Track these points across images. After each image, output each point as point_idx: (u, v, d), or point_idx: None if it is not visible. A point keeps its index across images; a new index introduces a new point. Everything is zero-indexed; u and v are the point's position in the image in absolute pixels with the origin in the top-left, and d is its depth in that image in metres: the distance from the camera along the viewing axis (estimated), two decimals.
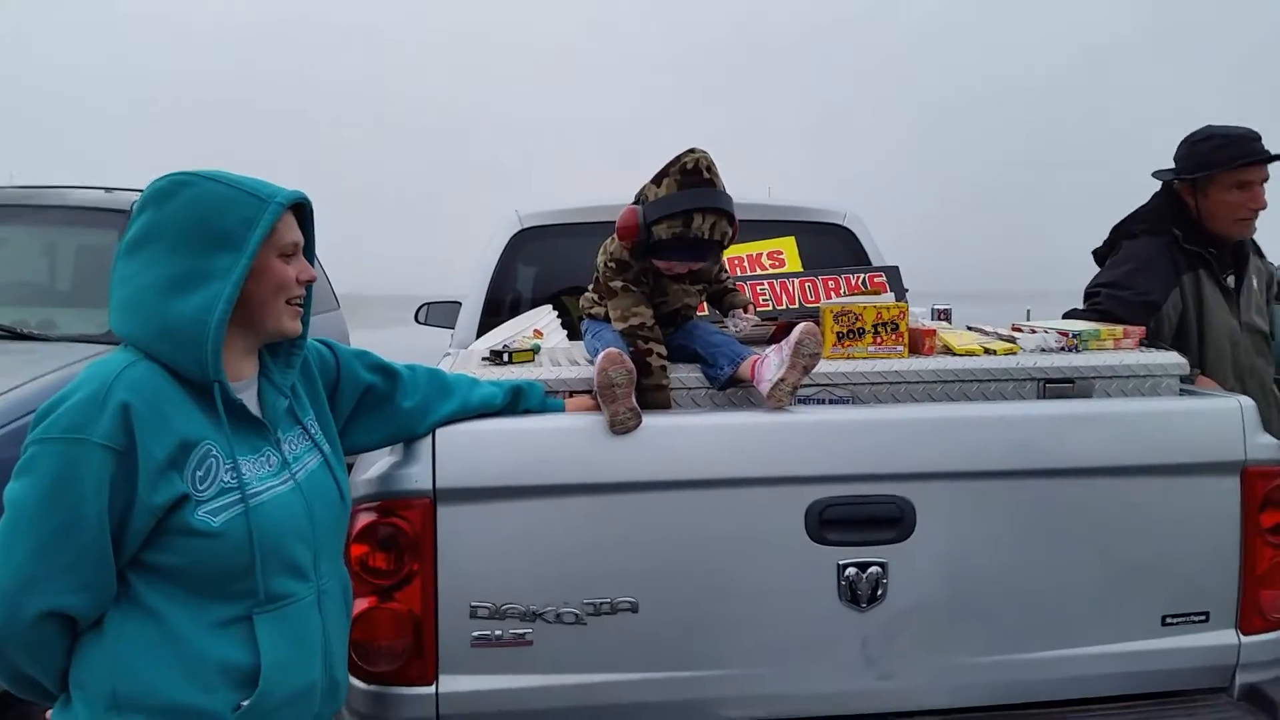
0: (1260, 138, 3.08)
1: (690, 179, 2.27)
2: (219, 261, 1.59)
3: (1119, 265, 3.18)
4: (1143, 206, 3.26)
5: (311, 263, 1.79)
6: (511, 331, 3.49)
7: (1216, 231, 3.11)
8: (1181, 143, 3.19)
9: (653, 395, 2.29)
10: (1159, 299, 3.05)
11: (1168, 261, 3.10)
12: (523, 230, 4.12)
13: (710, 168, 2.29)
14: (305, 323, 1.81)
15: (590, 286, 2.57)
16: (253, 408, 1.71)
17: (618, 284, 2.40)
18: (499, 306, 4.02)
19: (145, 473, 1.50)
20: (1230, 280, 3.15)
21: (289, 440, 1.77)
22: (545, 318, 3.51)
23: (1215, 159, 3.05)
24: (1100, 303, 3.07)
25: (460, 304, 4.53)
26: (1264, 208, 3.10)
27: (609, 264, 2.43)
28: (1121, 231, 3.28)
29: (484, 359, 2.53)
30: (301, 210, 1.75)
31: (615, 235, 2.39)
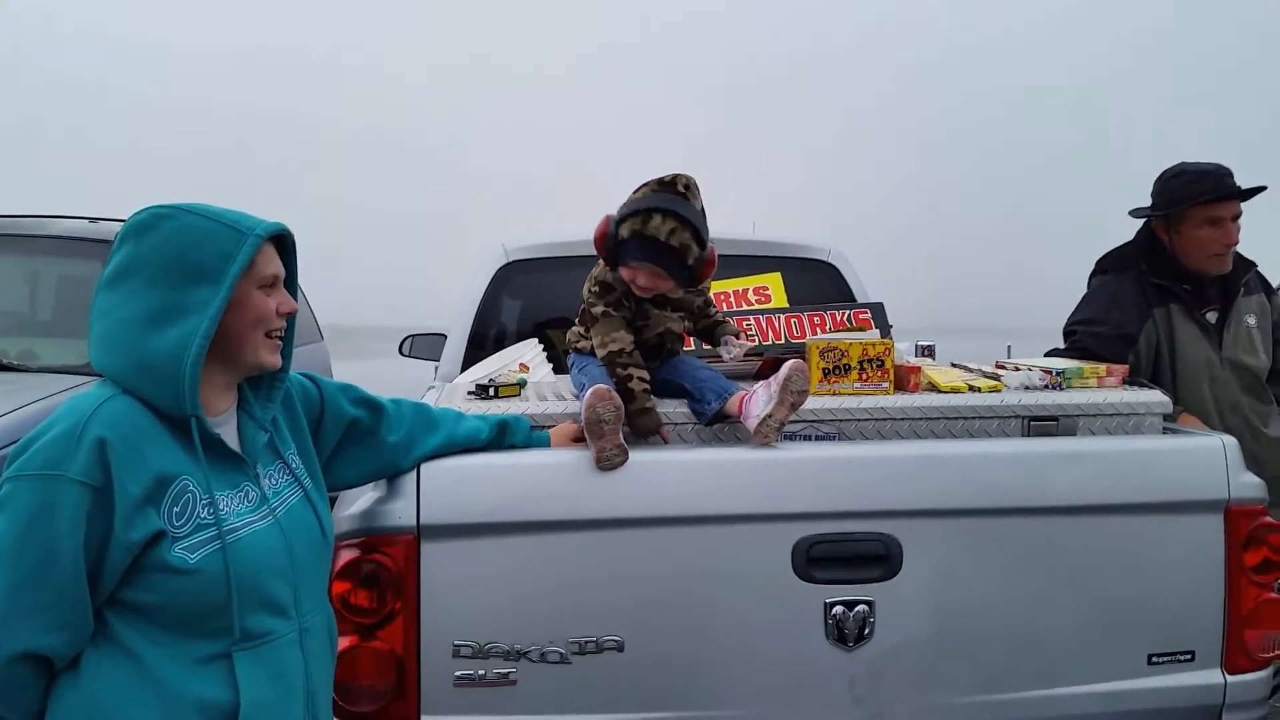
0: (1231, 174, 3.11)
1: (664, 188, 2.30)
2: (196, 295, 1.58)
3: (1091, 302, 3.22)
4: (1123, 243, 3.29)
5: (294, 295, 1.79)
6: (497, 365, 3.48)
7: (1191, 267, 3.13)
8: (1156, 180, 3.22)
9: (639, 420, 2.28)
10: (1134, 332, 3.08)
11: (1137, 295, 3.13)
12: (509, 263, 4.12)
13: (689, 185, 2.31)
14: (287, 356, 1.80)
15: (576, 319, 2.56)
16: (231, 442, 1.69)
17: (599, 309, 2.40)
18: (484, 340, 4.01)
19: (121, 509, 1.48)
20: (1212, 316, 3.17)
21: (269, 475, 1.75)
22: (530, 351, 3.50)
23: (1185, 195, 3.08)
24: (1079, 340, 3.10)
25: (444, 336, 4.52)
26: (1235, 243, 3.12)
27: (592, 288, 2.44)
28: (1097, 267, 3.32)
29: (469, 393, 2.52)
30: (283, 242, 1.75)
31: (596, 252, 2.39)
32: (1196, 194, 3.05)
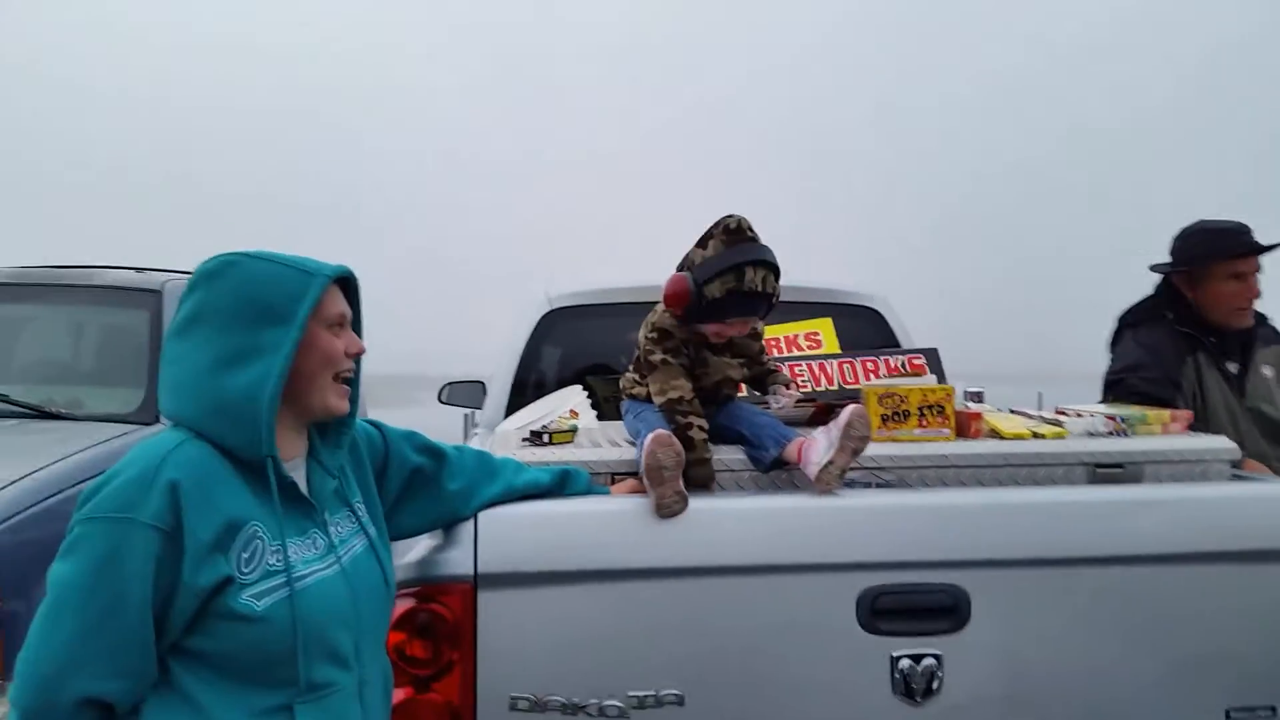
0: (1250, 231, 3.18)
1: (735, 236, 2.28)
2: (269, 336, 1.58)
3: (1133, 350, 3.24)
4: (1144, 298, 3.35)
5: (360, 334, 1.78)
6: (541, 411, 3.46)
7: (1216, 321, 3.18)
8: (1175, 237, 3.29)
9: (695, 470, 2.25)
10: (1178, 378, 3.11)
11: (1172, 342, 3.18)
12: (552, 311, 4.13)
13: (751, 228, 2.30)
14: (354, 401, 1.79)
15: (630, 365, 2.54)
16: (302, 487, 1.67)
17: (658, 357, 2.37)
18: (526, 387, 4.01)
19: (191, 554, 1.46)
20: (1233, 366, 3.21)
21: (336, 522, 1.73)
22: (575, 398, 3.49)
23: (1205, 252, 3.15)
24: (1130, 385, 3.11)
25: (482, 384, 4.51)
26: (1258, 296, 3.18)
27: (649, 334, 2.41)
28: (1123, 322, 3.37)
29: (524, 440, 2.49)
30: (348, 285, 1.75)
31: (662, 304, 2.37)
32: (1220, 249, 3.13)
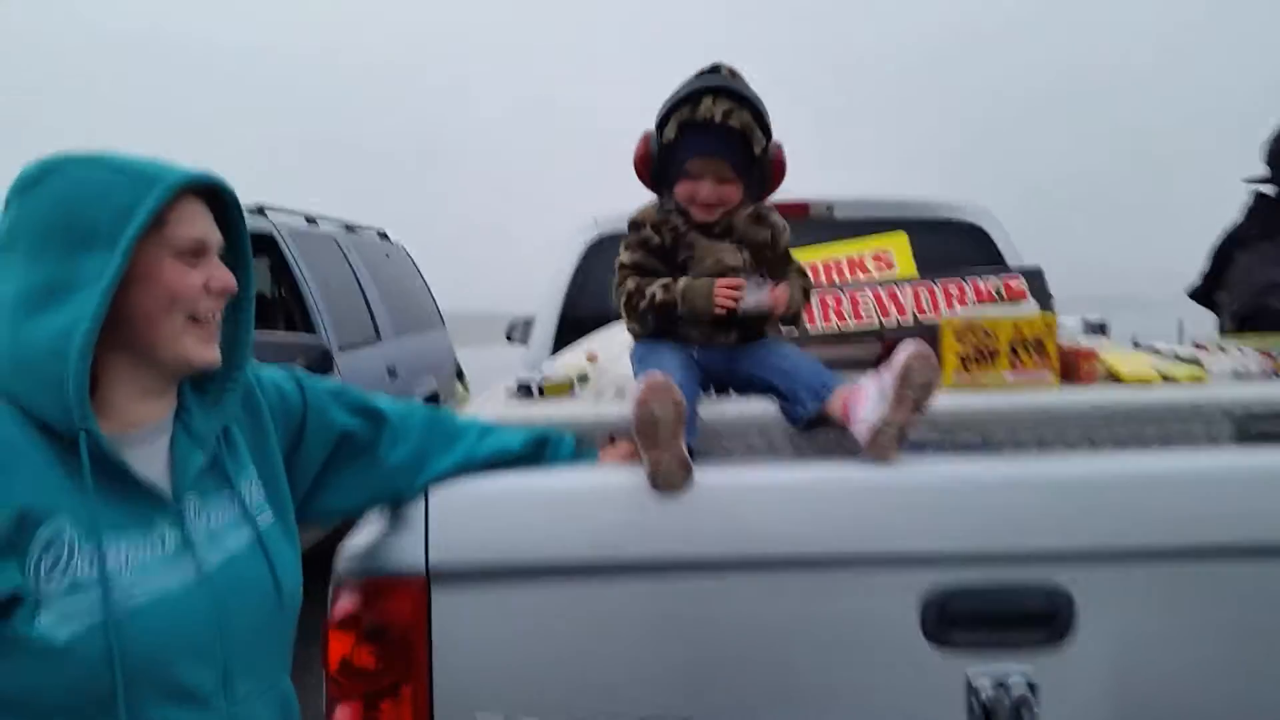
0: None
1: (704, 74, 1.93)
2: (87, 266, 1.20)
3: (1259, 269, 2.80)
4: (1241, 219, 3.00)
5: (244, 269, 1.38)
6: (581, 351, 3.04)
7: None
8: (1268, 142, 2.93)
9: (692, 291, 1.88)
10: None
11: None
12: (601, 237, 3.66)
13: (734, 71, 1.93)
14: (240, 347, 1.39)
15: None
16: (150, 467, 1.28)
17: (621, 257, 1.99)
18: (577, 324, 3.56)
19: None
20: None
21: (207, 512, 1.34)
22: (619, 336, 3.03)
23: None
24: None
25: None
26: None
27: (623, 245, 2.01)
28: (1231, 242, 2.98)
29: (511, 392, 2.05)
30: (220, 201, 1.32)
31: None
32: None
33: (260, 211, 5.09)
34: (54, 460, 1.19)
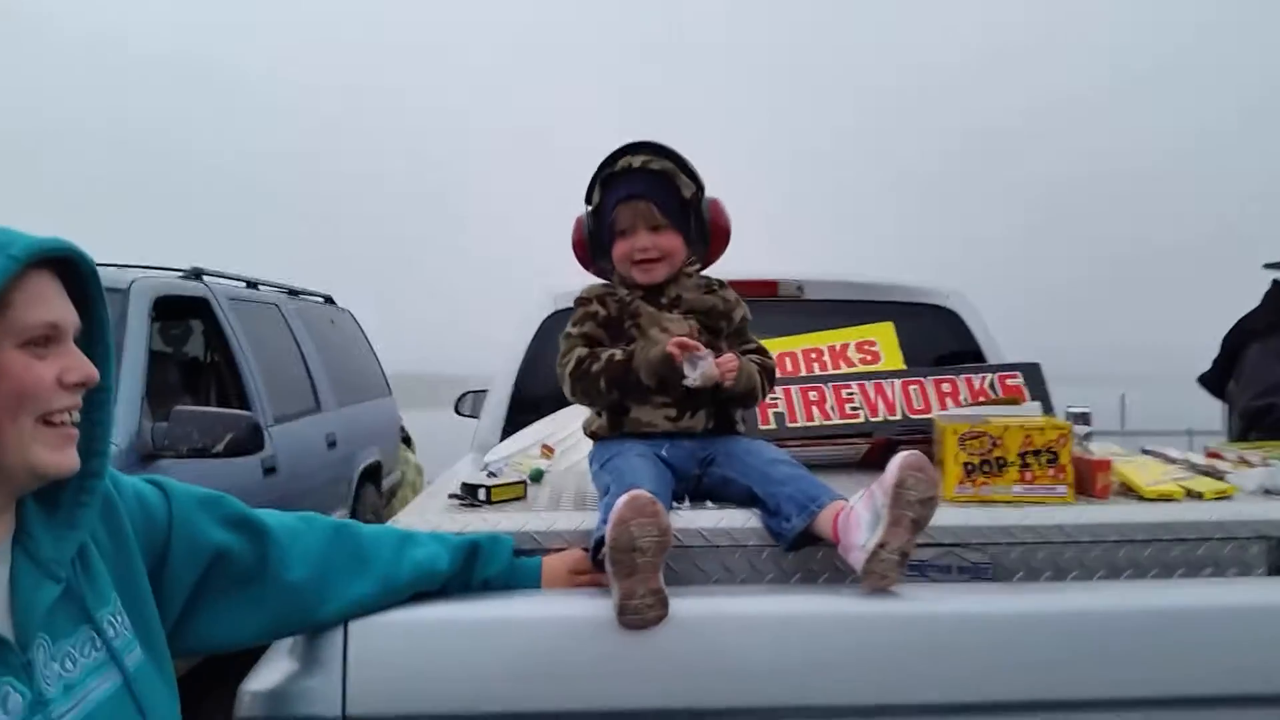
0: None
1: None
2: None
3: (1272, 365, 2.62)
4: (1257, 308, 2.86)
5: (104, 355, 1.14)
6: (543, 433, 2.80)
7: None
8: None
9: (648, 354, 1.72)
10: None
11: None
12: (557, 312, 3.44)
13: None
14: (99, 454, 1.13)
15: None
16: None
17: (571, 329, 1.85)
18: (529, 402, 3.31)
19: None
20: None
21: (63, 655, 1.06)
22: (575, 422, 2.79)
23: None
24: None
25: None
26: None
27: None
28: (1246, 331, 2.80)
29: (452, 496, 1.79)
30: (76, 273, 1.08)
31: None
32: None
33: (197, 275, 4.81)
34: None
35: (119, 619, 1.15)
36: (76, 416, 1.08)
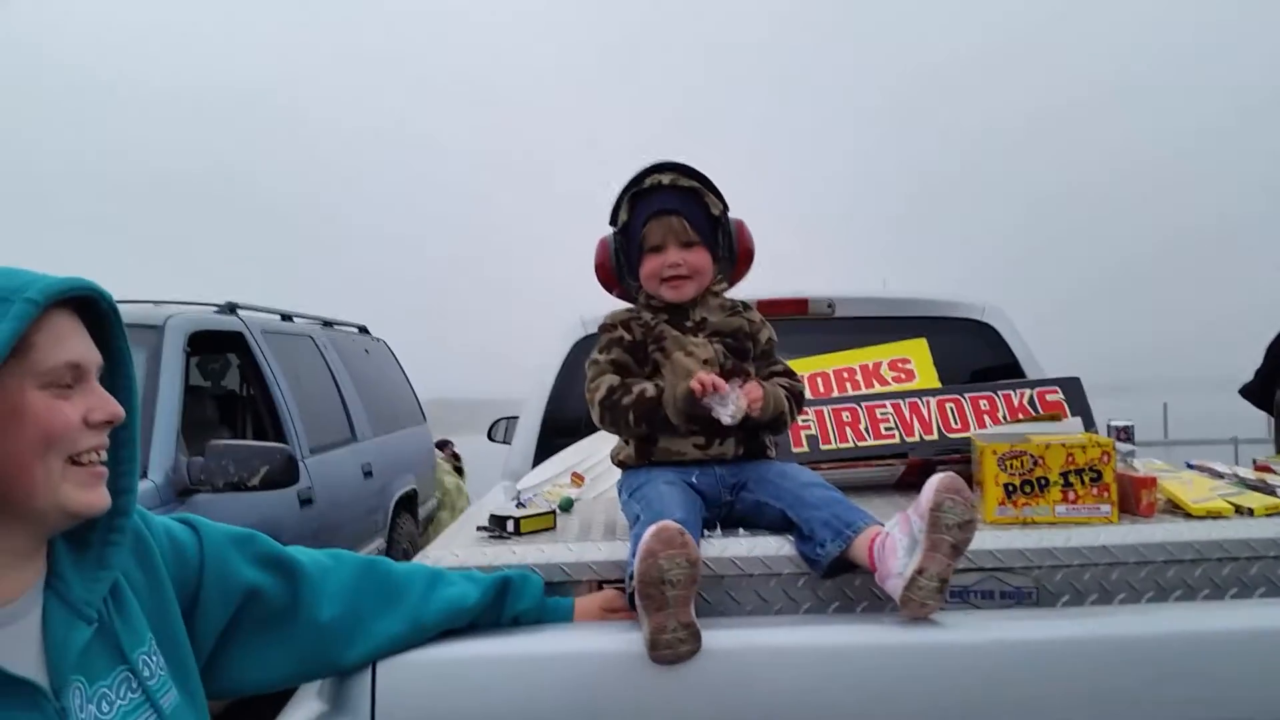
0: None
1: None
2: None
3: None
4: None
5: (127, 391, 1.13)
6: (573, 461, 2.77)
7: None
8: None
9: (681, 403, 1.69)
10: None
11: None
12: (587, 337, 3.43)
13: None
14: (127, 491, 1.12)
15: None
16: (19, 655, 1.01)
17: (598, 356, 1.83)
18: (561, 428, 3.30)
19: None
20: None
21: (99, 697, 1.06)
22: (605, 447, 2.77)
23: None
24: None
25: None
26: None
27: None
28: None
29: (481, 528, 1.77)
30: (96, 310, 1.07)
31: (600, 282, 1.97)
32: None
33: (232, 310, 4.85)
34: None
35: (154, 659, 1.14)
36: (104, 455, 1.07)
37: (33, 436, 1.00)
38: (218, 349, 5.40)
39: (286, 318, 5.68)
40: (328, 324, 6.41)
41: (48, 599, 1.06)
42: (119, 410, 1.07)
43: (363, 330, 7.35)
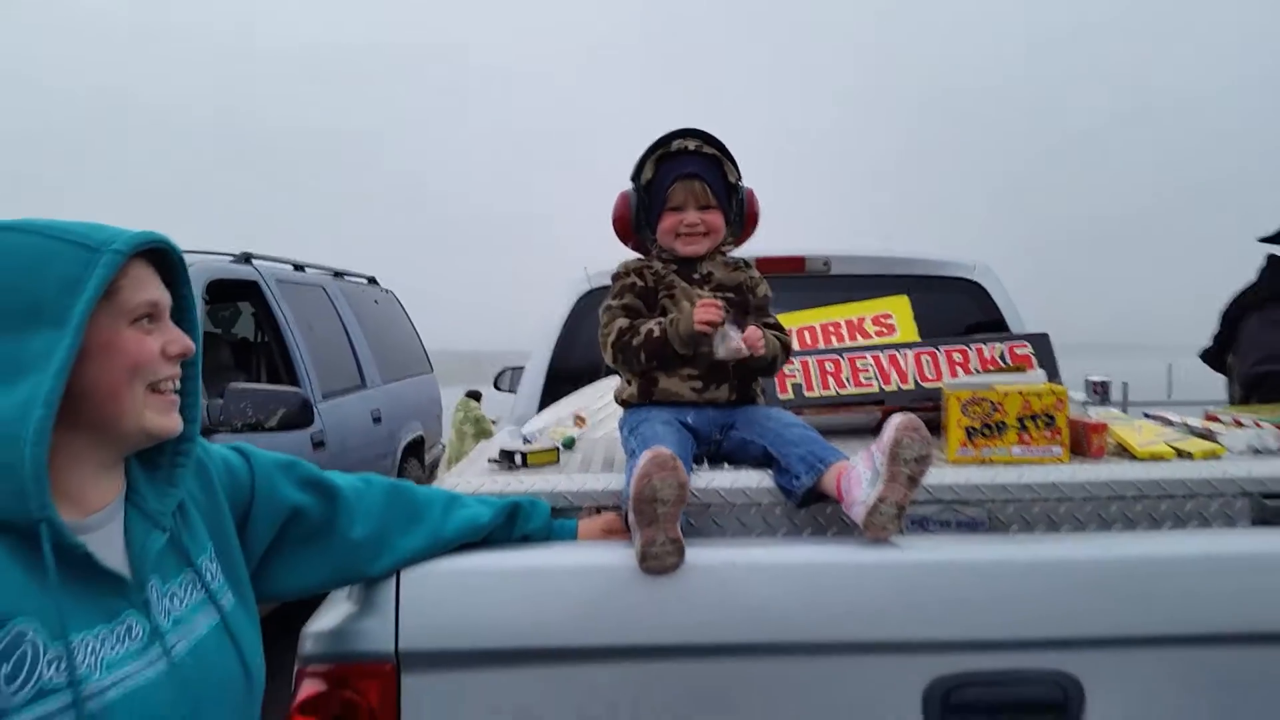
0: None
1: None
2: (34, 344, 1.10)
3: (1268, 333, 2.67)
4: (1254, 281, 2.91)
5: (192, 331, 1.29)
6: (575, 406, 2.94)
7: None
8: None
9: (683, 326, 1.85)
10: None
11: None
12: (592, 291, 3.59)
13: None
14: (193, 418, 1.29)
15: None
16: (109, 553, 1.18)
17: (602, 307, 2.00)
18: (566, 376, 3.48)
19: None
20: None
21: (170, 594, 1.24)
22: (607, 395, 2.94)
23: None
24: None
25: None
26: None
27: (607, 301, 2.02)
28: (1242, 308, 2.85)
29: (491, 460, 1.95)
30: (165, 260, 1.23)
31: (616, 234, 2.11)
32: None
33: (246, 259, 5.01)
34: (9, 556, 1.08)
35: (214, 565, 1.32)
36: (178, 384, 1.24)
37: (123, 365, 1.16)
38: (233, 297, 5.57)
39: (299, 268, 5.85)
40: (338, 274, 6.57)
41: (128, 510, 1.23)
42: (190, 344, 1.24)
43: (371, 281, 7.51)
